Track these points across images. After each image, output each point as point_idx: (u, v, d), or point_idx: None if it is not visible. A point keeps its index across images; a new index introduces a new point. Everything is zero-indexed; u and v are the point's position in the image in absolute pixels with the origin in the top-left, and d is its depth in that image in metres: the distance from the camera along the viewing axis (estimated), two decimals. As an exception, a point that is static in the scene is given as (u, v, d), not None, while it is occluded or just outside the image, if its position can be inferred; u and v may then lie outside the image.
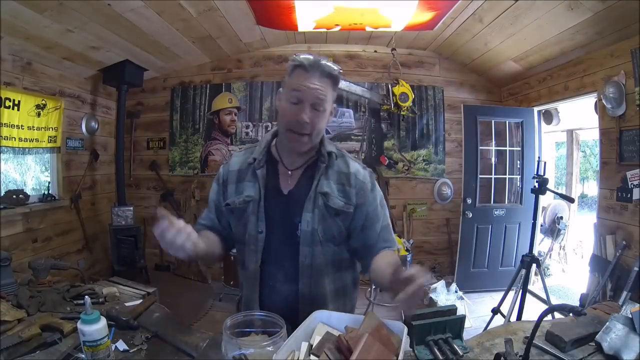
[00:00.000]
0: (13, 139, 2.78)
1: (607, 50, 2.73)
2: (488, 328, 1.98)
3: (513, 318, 2.41)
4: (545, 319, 0.88)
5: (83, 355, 0.88)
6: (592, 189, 6.49)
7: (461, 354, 0.90)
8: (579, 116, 3.81)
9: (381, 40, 3.77)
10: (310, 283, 1.07)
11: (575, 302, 2.82)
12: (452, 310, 0.98)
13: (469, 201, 3.62)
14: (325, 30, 3.41)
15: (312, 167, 1.11)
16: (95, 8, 2.43)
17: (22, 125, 2.85)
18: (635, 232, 2.51)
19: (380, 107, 3.82)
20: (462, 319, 0.96)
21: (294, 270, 1.07)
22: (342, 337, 0.78)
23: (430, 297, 3.28)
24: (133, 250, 3.47)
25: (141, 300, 1.31)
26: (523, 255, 2.51)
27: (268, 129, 3.85)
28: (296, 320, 0.91)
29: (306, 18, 3.04)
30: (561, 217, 3.85)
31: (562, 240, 4.07)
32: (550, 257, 4.11)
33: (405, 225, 3.96)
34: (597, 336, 0.96)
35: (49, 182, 3.27)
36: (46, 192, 3.16)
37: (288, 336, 0.82)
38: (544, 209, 3.89)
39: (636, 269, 2.30)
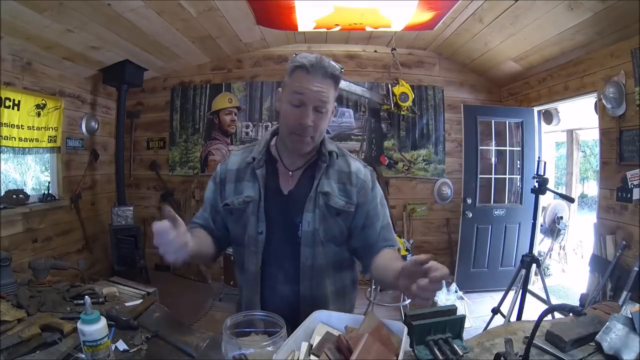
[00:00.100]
0: (13, 138, 2.78)
1: (607, 50, 2.73)
2: (488, 328, 1.98)
3: (513, 318, 2.41)
4: (545, 319, 0.88)
5: (83, 355, 0.88)
6: (592, 189, 6.49)
7: (461, 354, 0.90)
8: (579, 116, 3.81)
9: (381, 40, 3.77)
10: (311, 284, 1.06)
11: (575, 302, 2.82)
12: (452, 310, 0.97)
13: (469, 201, 3.62)
14: (325, 30, 3.41)
15: (312, 167, 1.10)
16: (95, 8, 2.43)
17: (22, 125, 2.85)
18: (635, 232, 2.51)
19: (380, 107, 3.82)
20: (462, 319, 0.96)
21: (294, 271, 1.06)
22: (342, 337, 0.78)
23: (430, 297, 3.28)
24: (133, 250, 3.47)
25: (141, 300, 1.31)
26: (523, 255, 2.51)
27: (268, 129, 3.85)
28: (297, 321, 0.91)
29: (306, 18, 3.04)
30: (561, 217, 3.85)
31: (562, 240, 4.07)
32: (550, 257, 4.11)
33: (405, 225, 3.96)
34: (597, 336, 0.96)
35: (49, 182, 3.27)
36: (46, 192, 3.15)
37: (288, 336, 0.82)
38: (544, 209, 3.89)
39: (636, 269, 2.30)
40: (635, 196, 2.50)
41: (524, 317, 2.35)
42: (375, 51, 3.97)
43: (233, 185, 1.11)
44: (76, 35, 2.71)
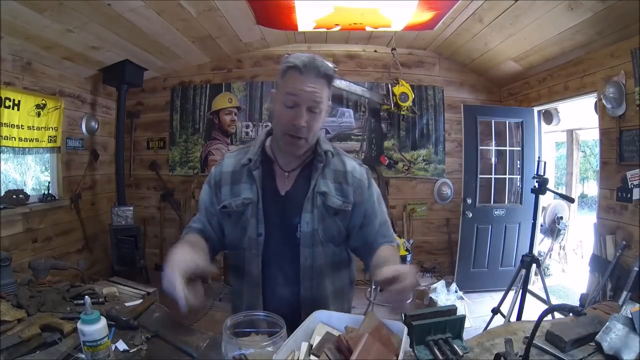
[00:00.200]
0: (13, 138, 2.78)
1: (607, 50, 2.73)
2: (488, 328, 1.98)
3: (513, 318, 2.41)
4: (545, 319, 0.88)
5: (83, 355, 0.88)
6: (592, 189, 6.50)
7: (461, 354, 0.90)
8: (579, 116, 3.81)
9: (381, 40, 3.77)
10: (311, 285, 1.06)
11: (575, 302, 2.81)
12: (452, 310, 0.97)
13: (469, 201, 3.62)
14: (325, 30, 3.41)
15: (308, 167, 1.10)
16: (95, 8, 2.43)
17: (22, 125, 2.85)
18: (635, 232, 2.51)
19: (380, 107, 3.82)
20: (462, 319, 0.96)
21: (294, 272, 1.06)
22: (342, 337, 0.78)
23: (430, 297, 3.28)
24: (133, 250, 3.47)
25: (141, 300, 1.31)
26: (523, 255, 2.51)
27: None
28: (298, 322, 0.90)
29: (306, 18, 3.04)
30: (561, 217, 3.85)
31: (562, 240, 4.07)
32: (550, 257, 4.11)
33: (405, 225, 3.96)
34: (597, 336, 0.96)
35: (49, 182, 3.26)
36: (46, 192, 3.15)
37: (288, 336, 0.82)
38: (544, 209, 3.88)
39: (636, 269, 2.30)
40: (635, 196, 2.50)
41: (524, 317, 2.35)
42: (375, 51, 3.97)
43: (229, 187, 1.09)
44: (76, 35, 2.70)
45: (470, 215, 3.61)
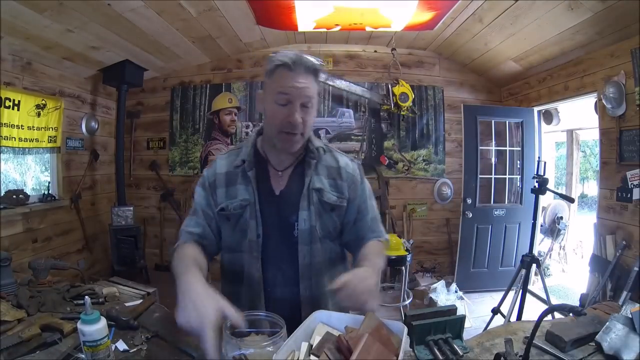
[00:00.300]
0: (13, 139, 2.78)
1: (607, 50, 2.73)
2: (488, 328, 1.98)
3: (513, 318, 2.41)
4: (545, 319, 0.88)
5: (83, 355, 0.88)
6: (592, 189, 6.50)
7: (461, 354, 0.90)
8: (579, 116, 3.81)
9: (381, 40, 3.77)
10: (310, 283, 1.07)
11: (575, 302, 2.82)
12: (452, 310, 0.97)
13: (469, 201, 3.62)
14: (325, 30, 3.41)
15: (301, 165, 1.10)
16: (95, 8, 2.43)
17: (22, 125, 2.85)
18: (635, 232, 2.51)
19: (380, 107, 3.82)
20: (462, 319, 0.96)
21: (293, 271, 1.06)
22: (342, 337, 0.78)
23: (430, 297, 3.28)
24: (133, 250, 3.47)
25: (141, 300, 1.31)
26: (523, 255, 2.51)
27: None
28: (299, 321, 0.90)
29: (306, 18, 3.04)
30: (561, 217, 3.85)
31: (562, 240, 4.07)
32: (550, 257, 4.11)
33: (405, 225, 3.96)
34: (597, 336, 0.96)
35: (49, 182, 3.26)
36: (46, 192, 3.15)
37: (288, 336, 0.82)
38: (544, 209, 3.89)
39: (636, 269, 2.30)
40: (635, 196, 2.50)
41: (524, 317, 2.35)
42: (375, 51, 3.97)
43: (224, 189, 1.08)
44: (76, 35, 2.70)
45: (470, 215, 3.61)
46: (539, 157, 2.83)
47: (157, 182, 4.04)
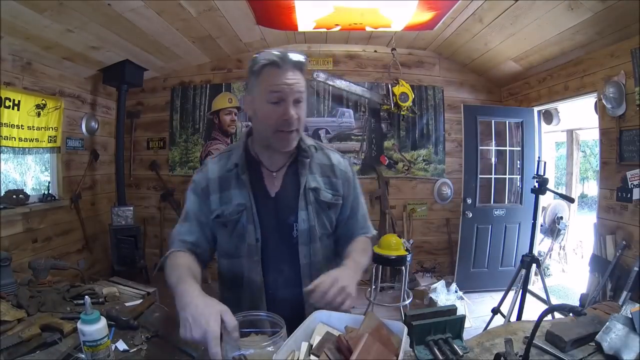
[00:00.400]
0: (13, 139, 2.78)
1: (607, 50, 2.73)
2: (488, 328, 1.98)
3: (513, 318, 2.41)
4: (545, 319, 0.88)
5: (83, 355, 0.88)
6: (592, 189, 6.50)
7: (461, 354, 0.89)
8: (579, 116, 3.81)
9: (381, 40, 3.77)
10: (312, 282, 1.06)
11: (575, 302, 2.82)
12: (452, 310, 0.97)
13: (469, 201, 3.62)
14: (325, 30, 3.41)
15: (294, 164, 1.09)
16: (95, 8, 2.43)
17: (22, 125, 2.85)
18: (635, 232, 2.51)
19: (380, 107, 3.82)
20: (462, 319, 0.96)
21: (294, 272, 1.06)
22: (342, 337, 0.78)
23: (430, 297, 3.28)
24: (133, 250, 3.47)
25: (141, 300, 1.31)
26: (523, 255, 2.51)
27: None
28: (302, 322, 0.90)
29: (306, 18, 3.04)
30: (561, 217, 3.85)
31: (562, 240, 4.07)
32: (550, 257, 4.11)
33: (405, 225, 3.96)
34: (597, 336, 0.96)
35: (49, 182, 3.26)
36: (46, 192, 3.15)
37: (288, 336, 0.82)
38: (544, 209, 3.89)
39: (636, 269, 2.30)
40: (635, 196, 2.50)
41: (524, 317, 2.35)
42: (375, 51, 3.97)
43: (218, 195, 1.06)
44: (76, 35, 2.70)
45: (470, 215, 3.61)
46: (539, 157, 2.83)
47: (157, 182, 4.04)
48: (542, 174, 2.44)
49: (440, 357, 0.88)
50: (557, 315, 1.56)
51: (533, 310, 2.42)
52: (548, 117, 3.82)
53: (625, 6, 2.23)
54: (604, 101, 2.69)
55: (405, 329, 0.85)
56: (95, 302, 1.27)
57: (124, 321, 1.09)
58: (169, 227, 3.99)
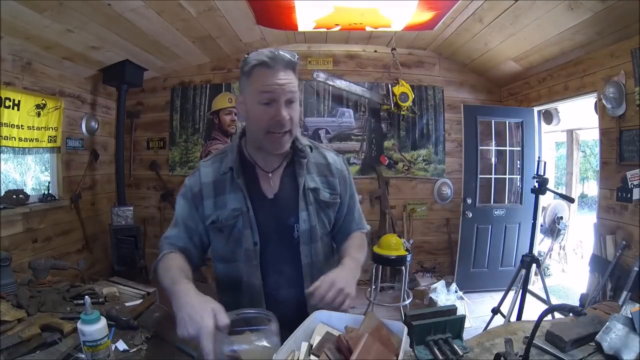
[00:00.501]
0: (13, 138, 2.78)
1: (607, 50, 2.73)
2: (488, 328, 1.98)
3: (513, 318, 2.41)
4: (545, 319, 0.88)
5: (83, 355, 0.88)
6: (592, 189, 6.50)
7: (461, 354, 0.90)
8: (579, 116, 3.81)
9: (381, 40, 3.77)
10: (313, 281, 1.05)
11: (575, 302, 2.82)
12: (452, 310, 0.98)
13: (469, 201, 3.62)
14: (325, 30, 3.41)
15: (290, 165, 1.08)
16: (95, 8, 2.43)
17: (22, 125, 2.85)
18: (635, 232, 2.50)
19: (380, 107, 3.82)
20: (462, 319, 0.96)
21: (296, 273, 1.05)
22: (342, 337, 0.78)
23: (430, 297, 3.28)
24: (133, 250, 3.47)
25: (141, 300, 1.31)
26: (523, 255, 2.51)
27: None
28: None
29: (306, 18, 3.04)
30: (561, 217, 3.86)
31: (562, 240, 4.07)
32: (550, 257, 4.11)
33: (405, 225, 3.96)
34: (597, 336, 0.96)
35: (49, 182, 3.26)
36: (46, 192, 3.15)
37: (283, 332, 0.81)
38: (544, 209, 3.89)
39: (636, 269, 2.30)
40: (635, 196, 2.50)
41: (524, 317, 2.35)
42: (375, 51, 3.96)
43: (212, 199, 1.04)
44: (76, 35, 2.70)
45: (470, 215, 3.61)
46: (539, 157, 2.83)
47: (157, 182, 4.04)
48: (542, 174, 2.44)
49: (440, 357, 0.88)
50: (557, 315, 1.56)
51: (533, 310, 2.43)
52: (548, 117, 3.82)
53: (625, 6, 2.23)
54: (604, 101, 2.69)
55: (405, 329, 0.85)
56: (95, 302, 1.27)
57: (124, 321, 1.09)
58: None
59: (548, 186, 2.42)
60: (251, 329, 0.89)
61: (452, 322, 0.94)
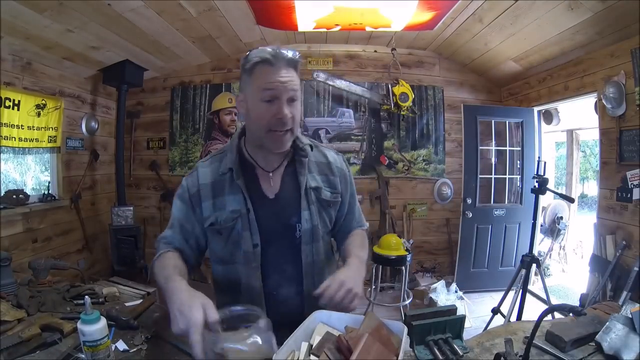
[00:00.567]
0: (13, 139, 2.78)
1: (607, 50, 2.73)
2: (488, 328, 1.98)
3: (513, 318, 2.41)
4: (545, 319, 0.88)
5: (83, 355, 0.88)
6: (592, 189, 6.50)
7: (461, 354, 0.90)
8: (579, 116, 3.81)
9: (381, 40, 3.77)
10: (313, 281, 1.06)
11: (575, 302, 2.82)
12: (452, 310, 0.98)
13: (469, 201, 3.62)
14: (325, 30, 3.41)
15: (292, 164, 1.07)
16: (95, 8, 2.43)
17: (22, 125, 2.85)
18: (635, 232, 2.50)
19: (380, 107, 3.82)
20: (462, 319, 0.96)
21: (297, 272, 1.05)
22: (342, 337, 0.78)
23: (430, 297, 3.28)
24: (133, 250, 3.47)
25: (141, 300, 1.31)
26: (523, 255, 2.51)
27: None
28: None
29: (306, 18, 3.04)
30: (561, 217, 3.86)
31: (562, 240, 4.07)
32: (550, 257, 4.11)
33: (405, 225, 3.96)
34: (597, 336, 0.96)
35: (49, 182, 3.26)
36: (46, 192, 3.15)
37: (269, 324, 0.80)
38: (544, 209, 3.89)
39: (636, 269, 2.30)
40: (635, 196, 2.50)
41: (524, 317, 2.35)
42: (375, 51, 3.96)
43: (211, 201, 1.02)
44: (76, 35, 2.70)
45: (470, 215, 3.61)
46: (539, 157, 2.83)
47: (157, 182, 4.04)
48: (542, 174, 2.44)
49: (440, 357, 0.88)
50: (557, 315, 1.56)
51: (533, 310, 2.42)
52: (548, 117, 3.82)
53: (625, 6, 2.23)
54: (604, 101, 2.69)
55: (405, 329, 0.85)
56: (95, 302, 1.27)
57: (124, 321, 1.09)
58: (169, 227, 4.00)
59: (548, 186, 2.42)
60: (246, 327, 0.87)
61: (452, 322, 0.94)
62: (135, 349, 0.99)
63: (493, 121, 3.75)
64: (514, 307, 2.43)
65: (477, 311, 3.20)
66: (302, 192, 1.04)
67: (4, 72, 2.64)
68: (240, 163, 1.04)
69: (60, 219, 3.27)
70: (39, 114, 2.98)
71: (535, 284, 3.40)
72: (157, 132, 4.06)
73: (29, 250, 2.92)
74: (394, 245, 2.91)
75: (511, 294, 2.53)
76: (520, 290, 2.45)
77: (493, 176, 3.79)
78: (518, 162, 3.85)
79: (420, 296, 3.40)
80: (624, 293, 2.31)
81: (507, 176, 3.91)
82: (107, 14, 2.52)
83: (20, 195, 2.85)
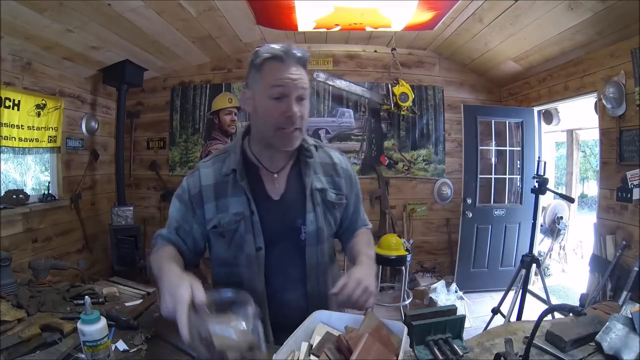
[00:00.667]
0: (13, 139, 2.78)
1: (607, 50, 2.73)
2: (488, 328, 1.98)
3: (513, 318, 2.41)
4: (545, 319, 0.88)
5: (83, 355, 0.88)
6: (592, 189, 6.50)
7: (461, 354, 0.90)
8: (579, 116, 3.81)
9: (381, 40, 3.77)
10: (317, 282, 1.06)
11: (575, 302, 2.81)
12: (452, 310, 0.98)
13: (469, 201, 3.62)
14: (325, 30, 3.41)
15: (296, 165, 1.06)
16: (95, 8, 2.43)
17: (22, 125, 2.85)
18: (635, 232, 2.50)
19: (380, 107, 3.82)
20: (462, 319, 0.96)
21: (301, 274, 1.04)
22: (342, 337, 0.78)
23: (430, 297, 3.28)
24: (133, 250, 3.47)
25: (141, 300, 1.31)
26: (523, 255, 2.51)
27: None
28: None
29: (306, 18, 3.04)
30: (561, 217, 3.86)
31: (562, 240, 4.07)
32: (550, 257, 4.11)
33: (405, 225, 3.96)
34: (597, 336, 0.96)
35: (49, 182, 3.26)
36: (46, 192, 3.15)
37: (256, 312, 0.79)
38: (544, 209, 3.89)
39: (636, 269, 2.30)
40: (635, 196, 2.50)
41: (524, 317, 2.35)
42: (375, 51, 3.96)
43: (214, 203, 1.00)
44: (76, 35, 2.70)
45: (470, 215, 3.61)
46: (539, 157, 2.83)
47: (157, 182, 4.04)
48: (542, 174, 2.44)
49: (440, 357, 0.88)
50: (557, 315, 1.56)
51: (533, 310, 2.43)
52: (548, 117, 3.82)
53: (625, 6, 2.23)
54: (604, 101, 2.69)
55: (405, 329, 0.85)
56: (95, 302, 1.27)
57: (124, 321, 1.09)
58: (169, 227, 4.00)
59: (548, 186, 2.42)
60: (234, 312, 0.85)
61: (452, 322, 0.94)
62: (135, 349, 0.99)
63: (493, 121, 3.75)
64: (514, 307, 2.43)
65: (477, 311, 3.20)
66: (307, 194, 1.03)
67: (4, 72, 2.64)
68: (244, 164, 1.02)
69: (60, 219, 3.27)
70: (39, 114, 2.98)
71: (535, 284, 3.40)
72: (157, 132, 4.06)
73: (29, 250, 2.91)
74: (394, 245, 2.91)
75: (511, 294, 2.53)
76: (520, 290, 2.45)
77: (493, 176, 3.79)
78: (518, 162, 3.85)
79: (420, 296, 3.40)
80: (624, 293, 2.30)
81: (507, 176, 3.91)
82: (107, 14, 2.52)
83: (20, 195, 2.85)
